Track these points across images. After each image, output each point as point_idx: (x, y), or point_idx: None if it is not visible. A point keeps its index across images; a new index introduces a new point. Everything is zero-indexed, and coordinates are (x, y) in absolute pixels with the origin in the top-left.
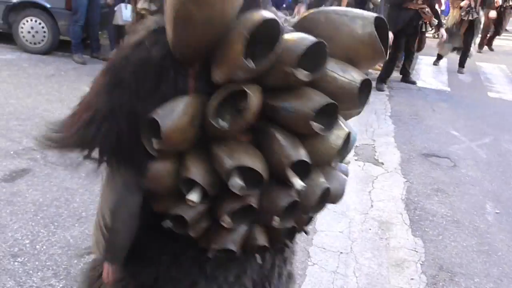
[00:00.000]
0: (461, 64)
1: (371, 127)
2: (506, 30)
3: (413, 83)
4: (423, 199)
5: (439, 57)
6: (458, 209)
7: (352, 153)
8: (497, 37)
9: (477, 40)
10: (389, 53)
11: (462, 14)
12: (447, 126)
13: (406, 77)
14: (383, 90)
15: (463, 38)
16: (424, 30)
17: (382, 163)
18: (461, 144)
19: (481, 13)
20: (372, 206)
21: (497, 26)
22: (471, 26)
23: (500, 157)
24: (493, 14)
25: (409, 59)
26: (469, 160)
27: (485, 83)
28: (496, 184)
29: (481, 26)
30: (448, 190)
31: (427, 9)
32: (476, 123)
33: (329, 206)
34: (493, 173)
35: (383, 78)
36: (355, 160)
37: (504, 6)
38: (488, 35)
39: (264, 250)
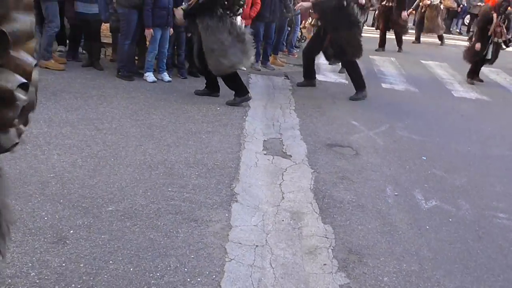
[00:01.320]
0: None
1: (278, 121)
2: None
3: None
4: (330, 188)
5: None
6: (362, 195)
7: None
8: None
9: None
10: None
11: None
12: (348, 117)
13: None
14: None
15: None
16: None
17: (290, 156)
18: (361, 133)
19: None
20: (283, 198)
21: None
22: None
23: (396, 143)
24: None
25: None
26: (369, 148)
27: (379, 75)
28: (394, 169)
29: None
30: (352, 177)
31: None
32: (373, 113)
33: (242, 201)
34: (391, 158)
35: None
36: (264, 154)
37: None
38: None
39: None
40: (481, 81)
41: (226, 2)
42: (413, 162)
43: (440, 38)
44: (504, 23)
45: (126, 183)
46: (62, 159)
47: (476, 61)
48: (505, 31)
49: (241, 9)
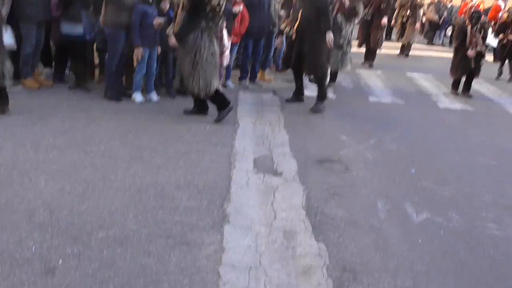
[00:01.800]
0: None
1: (267, 138)
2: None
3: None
4: (322, 204)
5: None
6: (353, 210)
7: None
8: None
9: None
10: None
11: None
12: (337, 132)
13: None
14: None
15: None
16: None
17: (281, 173)
18: (350, 148)
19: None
20: (275, 216)
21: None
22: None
23: (385, 156)
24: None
25: None
26: (359, 162)
27: (365, 89)
28: (384, 182)
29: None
30: (343, 192)
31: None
32: (361, 127)
33: (235, 222)
34: (381, 172)
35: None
36: (255, 172)
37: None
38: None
39: None
40: (470, 96)
41: (209, 14)
42: (403, 175)
43: (407, 47)
44: (480, 33)
45: (115, 207)
46: (50, 185)
47: (460, 74)
48: (480, 41)
49: (222, 21)
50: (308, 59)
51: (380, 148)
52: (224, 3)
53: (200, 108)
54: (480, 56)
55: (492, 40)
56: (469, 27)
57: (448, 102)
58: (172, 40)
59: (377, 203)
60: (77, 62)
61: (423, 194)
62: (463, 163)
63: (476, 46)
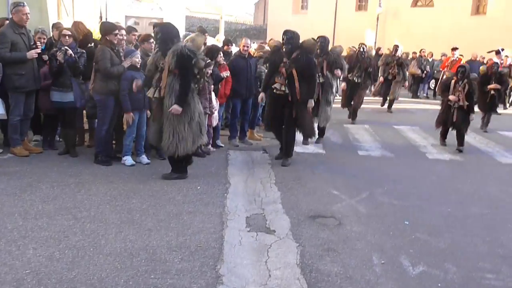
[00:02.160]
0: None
1: (259, 196)
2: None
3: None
4: (317, 261)
5: None
6: (349, 266)
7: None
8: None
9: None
10: None
11: None
12: (328, 187)
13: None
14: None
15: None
16: None
17: (274, 231)
18: (342, 202)
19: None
20: (270, 275)
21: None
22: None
23: (377, 209)
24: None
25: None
26: (352, 217)
27: (354, 143)
28: (378, 236)
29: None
30: (337, 248)
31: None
32: (352, 181)
33: (228, 283)
34: (374, 225)
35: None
36: (248, 231)
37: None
38: None
39: None
40: (460, 150)
41: (197, 76)
42: (396, 228)
43: (391, 103)
44: (464, 89)
45: (106, 273)
46: (38, 253)
47: (446, 126)
48: (462, 96)
49: (210, 84)
50: (302, 122)
51: (372, 202)
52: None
53: (181, 171)
54: (463, 110)
55: None
56: (453, 81)
57: (437, 153)
58: (176, 107)
59: (372, 257)
60: (67, 128)
61: (418, 246)
62: (455, 213)
63: (458, 101)
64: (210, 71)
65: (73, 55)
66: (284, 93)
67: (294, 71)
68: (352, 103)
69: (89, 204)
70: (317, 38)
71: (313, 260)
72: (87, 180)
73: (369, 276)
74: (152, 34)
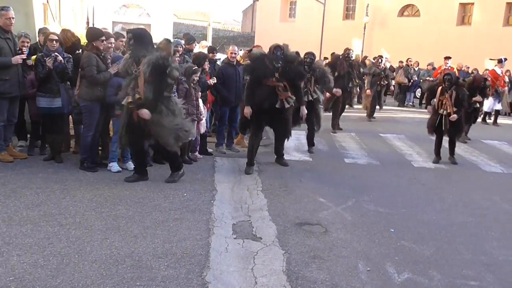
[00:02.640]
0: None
1: (246, 203)
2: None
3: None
4: (303, 268)
5: None
6: (334, 273)
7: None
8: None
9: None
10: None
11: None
12: (314, 194)
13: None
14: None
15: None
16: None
17: (260, 238)
18: (328, 210)
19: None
20: (256, 283)
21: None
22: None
23: (363, 217)
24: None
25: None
26: (338, 224)
27: (341, 150)
28: (364, 243)
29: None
30: (323, 255)
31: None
32: (339, 189)
33: None
34: (360, 233)
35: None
36: (234, 238)
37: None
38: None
39: None
40: (455, 163)
41: (170, 85)
42: (382, 235)
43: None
44: (451, 97)
45: (91, 280)
46: (22, 260)
47: (440, 135)
48: (450, 103)
49: (198, 90)
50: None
51: (358, 209)
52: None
53: (141, 173)
54: (453, 118)
55: (492, 104)
56: (439, 89)
57: (422, 161)
58: (144, 111)
59: (358, 265)
60: (54, 134)
61: (403, 254)
62: (440, 221)
63: (446, 108)
64: (197, 78)
65: (62, 61)
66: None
67: (285, 84)
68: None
69: (74, 210)
70: (304, 55)
71: (299, 267)
72: (72, 187)
73: (354, 283)
74: None
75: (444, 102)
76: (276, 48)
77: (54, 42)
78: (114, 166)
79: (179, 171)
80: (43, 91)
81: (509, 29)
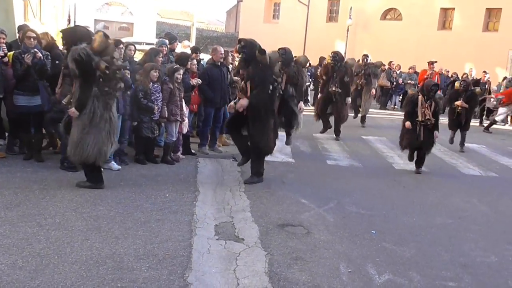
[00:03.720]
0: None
1: (228, 204)
2: None
3: None
4: (285, 270)
5: None
6: (316, 274)
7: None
8: None
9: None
10: None
11: None
12: (297, 196)
13: None
14: None
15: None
16: None
17: (243, 239)
18: (311, 211)
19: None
20: (238, 284)
21: None
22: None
23: (345, 219)
24: None
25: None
26: (320, 225)
27: (323, 152)
28: (345, 245)
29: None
30: (305, 257)
31: None
32: (321, 190)
33: None
34: (341, 234)
35: None
36: (217, 239)
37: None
38: None
39: None
40: (419, 172)
41: (100, 79)
42: (363, 237)
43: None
44: (431, 106)
45: (71, 282)
46: (0, 261)
47: (413, 147)
48: (428, 111)
49: (181, 91)
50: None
51: (340, 211)
52: (120, 66)
53: (96, 181)
54: (428, 129)
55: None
56: (420, 97)
57: (403, 164)
58: (72, 110)
59: (339, 266)
60: (29, 133)
61: (384, 255)
62: (420, 223)
63: (424, 116)
64: (180, 77)
65: (42, 57)
66: None
67: (248, 84)
68: (334, 118)
69: (54, 211)
70: (278, 50)
71: (281, 268)
72: (52, 186)
73: (336, 284)
74: (122, 40)
75: (423, 111)
76: (238, 40)
77: (32, 39)
78: (114, 165)
79: (92, 182)
80: (21, 89)
81: (489, 34)
